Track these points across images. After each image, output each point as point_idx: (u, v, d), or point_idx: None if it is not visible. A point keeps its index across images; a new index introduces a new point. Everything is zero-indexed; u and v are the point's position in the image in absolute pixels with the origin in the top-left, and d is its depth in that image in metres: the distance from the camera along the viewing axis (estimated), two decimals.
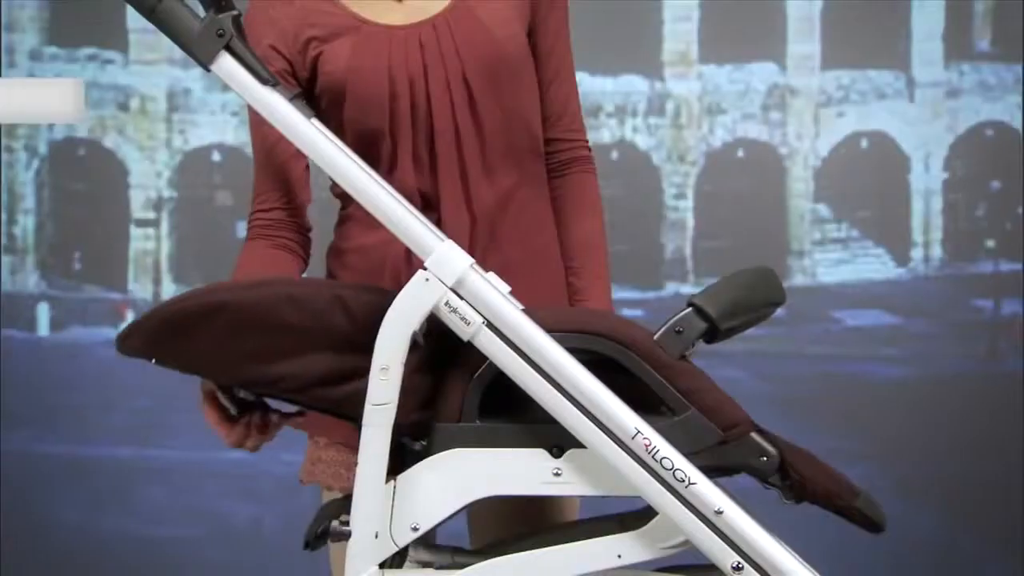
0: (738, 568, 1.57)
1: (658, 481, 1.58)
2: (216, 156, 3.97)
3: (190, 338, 1.63)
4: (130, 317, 3.90)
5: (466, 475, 1.64)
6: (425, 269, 1.62)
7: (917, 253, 3.87)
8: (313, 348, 1.64)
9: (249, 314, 1.63)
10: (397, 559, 1.64)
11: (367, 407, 1.61)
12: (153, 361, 1.66)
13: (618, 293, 2.12)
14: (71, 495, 3.79)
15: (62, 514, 3.80)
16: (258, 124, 1.94)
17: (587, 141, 2.12)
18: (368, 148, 1.90)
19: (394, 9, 1.97)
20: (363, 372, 1.62)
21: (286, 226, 1.96)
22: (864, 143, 3.89)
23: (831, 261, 3.84)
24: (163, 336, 1.64)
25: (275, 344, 1.64)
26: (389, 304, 1.62)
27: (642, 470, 1.59)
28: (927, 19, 3.86)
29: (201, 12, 1.69)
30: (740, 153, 3.88)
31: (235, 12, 1.69)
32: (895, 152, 3.88)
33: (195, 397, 1.76)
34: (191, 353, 1.65)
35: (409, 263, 1.87)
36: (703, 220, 3.86)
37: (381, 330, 1.61)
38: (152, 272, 3.94)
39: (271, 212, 1.94)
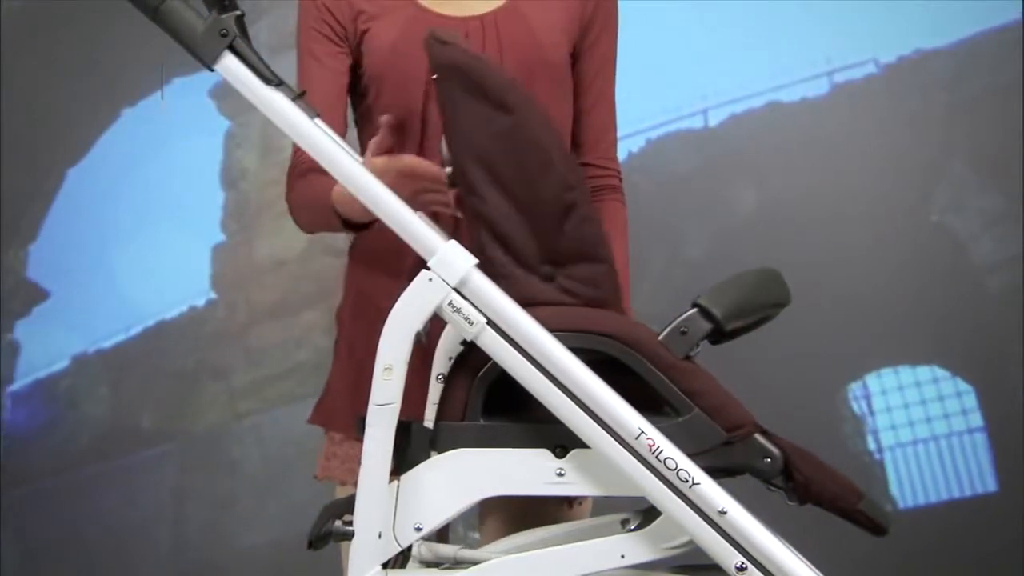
0: (742, 568, 1.78)
1: (662, 481, 1.79)
2: None
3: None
4: None
5: (469, 475, 1.85)
6: (428, 269, 1.83)
7: None
8: None
9: None
10: (400, 559, 1.85)
11: (370, 407, 1.83)
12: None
13: None
14: None
15: None
16: (310, 83, 2.21)
17: (619, 171, 2.38)
18: (401, 129, 2.18)
19: (450, 1, 2.25)
20: None
21: None
22: None
23: None
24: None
25: None
26: None
27: (646, 470, 1.80)
28: None
29: (205, 12, 1.91)
30: None
31: (238, 12, 1.92)
32: None
33: None
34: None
35: None
36: None
37: (384, 330, 1.83)
38: None
39: None
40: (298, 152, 2.28)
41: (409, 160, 1.98)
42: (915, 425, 4.09)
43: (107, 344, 4.46)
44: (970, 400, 4.07)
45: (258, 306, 4.36)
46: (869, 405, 4.11)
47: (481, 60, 1.90)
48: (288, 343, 4.31)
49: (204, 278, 4.41)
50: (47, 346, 4.48)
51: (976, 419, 4.06)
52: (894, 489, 4.08)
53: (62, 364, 4.49)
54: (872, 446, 4.10)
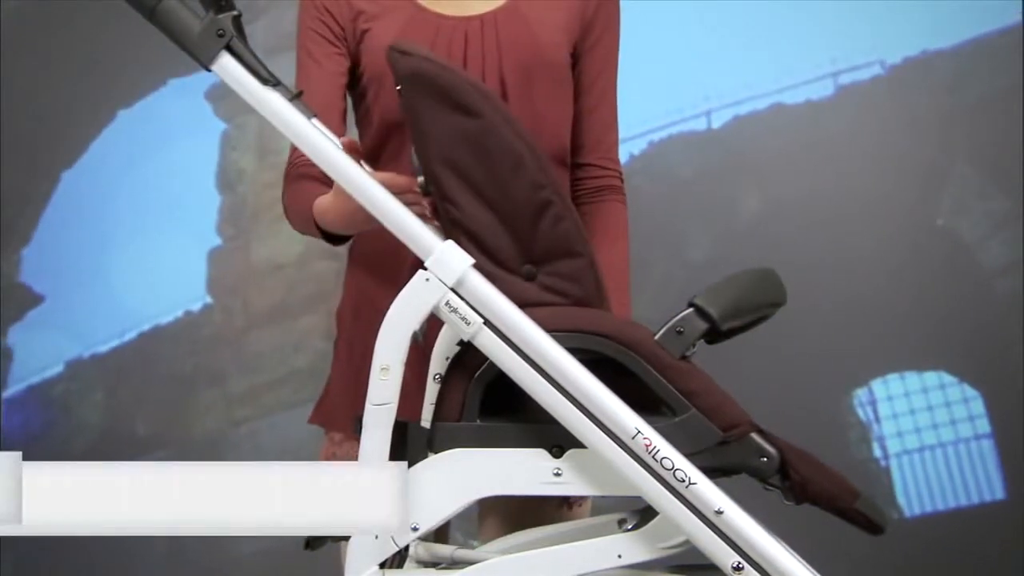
0: (738, 568, 1.83)
1: (658, 481, 1.84)
2: None
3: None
4: None
5: (466, 475, 1.89)
6: (425, 269, 1.88)
7: None
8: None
9: None
10: (397, 559, 1.90)
11: (367, 407, 1.88)
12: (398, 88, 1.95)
13: None
14: None
15: None
16: (308, 83, 2.27)
17: (620, 172, 2.43)
18: (400, 128, 2.23)
19: (450, 0, 2.30)
20: None
21: None
22: None
23: None
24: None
25: None
26: None
27: (642, 470, 1.84)
28: None
29: (202, 13, 1.95)
30: None
31: (235, 12, 1.96)
32: None
33: None
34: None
35: None
36: None
37: (381, 330, 1.88)
38: None
39: None
40: (294, 153, 2.32)
41: (381, 176, 2.02)
42: (921, 432, 4.12)
43: (102, 349, 4.49)
44: (977, 406, 4.10)
45: (255, 311, 4.40)
46: (875, 411, 4.13)
47: (444, 67, 1.94)
48: (286, 348, 4.34)
49: (200, 282, 4.45)
50: (41, 351, 4.51)
51: (983, 425, 4.09)
52: (900, 497, 4.11)
53: (56, 369, 4.52)
54: (878, 453, 4.13)
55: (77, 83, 4.44)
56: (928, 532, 4.07)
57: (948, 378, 4.11)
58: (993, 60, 4.08)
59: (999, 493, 4.08)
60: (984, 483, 4.10)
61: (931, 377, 4.12)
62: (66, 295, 4.50)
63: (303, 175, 2.29)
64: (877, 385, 4.14)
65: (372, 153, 2.31)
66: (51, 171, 4.51)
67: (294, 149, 2.31)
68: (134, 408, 4.46)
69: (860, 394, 4.14)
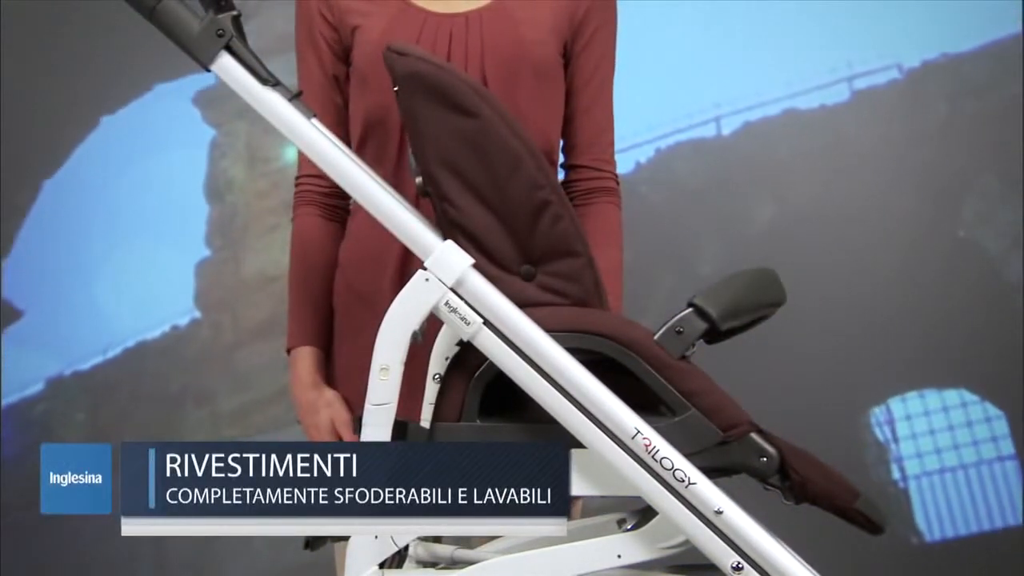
0: (738, 568, 1.95)
1: (658, 481, 1.97)
2: None
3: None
4: None
5: None
6: (425, 269, 2.01)
7: None
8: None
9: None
10: (397, 559, 2.02)
11: (367, 407, 2.01)
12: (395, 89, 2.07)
13: None
14: None
15: None
16: (308, 86, 2.41)
17: (615, 174, 2.56)
18: (382, 126, 2.38)
19: None
20: None
21: (338, 192, 2.38)
22: None
23: None
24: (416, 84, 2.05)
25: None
26: None
27: (642, 470, 1.97)
28: None
29: (201, 12, 2.07)
30: None
31: (235, 12, 2.09)
32: None
33: None
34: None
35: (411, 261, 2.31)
36: None
37: (381, 330, 2.00)
38: None
39: (324, 178, 2.31)
40: (300, 168, 2.48)
41: None
42: (942, 453, 4.19)
43: (84, 366, 4.56)
44: (1000, 426, 4.17)
45: (245, 326, 4.47)
46: (893, 431, 4.19)
47: (441, 67, 2.06)
48: (276, 365, 4.36)
49: (188, 296, 4.52)
50: (20, 368, 4.56)
51: (1007, 446, 4.16)
52: (920, 521, 4.19)
53: (36, 388, 4.58)
54: (896, 475, 4.21)
55: (59, 89, 4.50)
56: (949, 557, 4.13)
57: (970, 396, 4.18)
58: (1015, 64, 4.15)
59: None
60: (1008, 507, 4.16)
61: (952, 395, 4.19)
62: (47, 310, 4.55)
63: (307, 200, 2.50)
64: (895, 403, 4.21)
65: (357, 149, 2.46)
66: (32, 180, 4.58)
67: (301, 164, 2.47)
68: (118, 428, 4.49)
69: (877, 413, 4.20)
